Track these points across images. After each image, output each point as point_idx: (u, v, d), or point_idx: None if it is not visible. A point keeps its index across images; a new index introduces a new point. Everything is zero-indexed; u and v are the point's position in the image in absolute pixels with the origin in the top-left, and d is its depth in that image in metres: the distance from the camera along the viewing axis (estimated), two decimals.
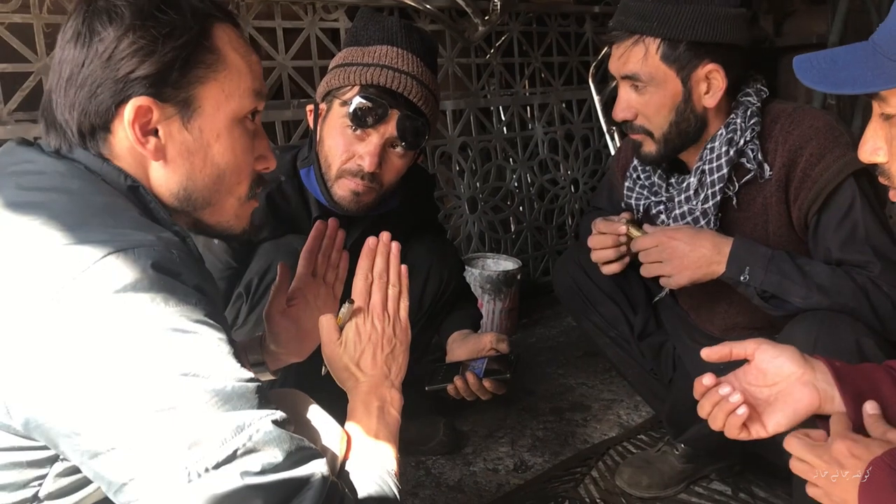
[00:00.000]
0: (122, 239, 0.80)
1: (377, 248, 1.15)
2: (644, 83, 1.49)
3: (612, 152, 3.38)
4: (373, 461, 1.00)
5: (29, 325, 0.76)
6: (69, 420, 0.76)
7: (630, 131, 1.57)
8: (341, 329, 1.12)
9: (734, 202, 1.53)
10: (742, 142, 1.48)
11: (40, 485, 0.85)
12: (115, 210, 0.86)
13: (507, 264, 2.90)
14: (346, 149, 1.51)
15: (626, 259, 1.62)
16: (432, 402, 2.09)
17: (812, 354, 1.27)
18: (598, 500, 1.86)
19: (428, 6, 2.77)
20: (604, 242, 1.61)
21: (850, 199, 1.41)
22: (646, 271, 1.54)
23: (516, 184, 3.23)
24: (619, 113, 1.55)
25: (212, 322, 0.82)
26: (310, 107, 1.61)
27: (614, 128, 3.38)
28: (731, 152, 1.48)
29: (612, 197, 1.87)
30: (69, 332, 0.75)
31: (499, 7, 2.92)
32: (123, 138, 0.91)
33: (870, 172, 1.44)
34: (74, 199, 0.85)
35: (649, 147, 1.55)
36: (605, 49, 3.33)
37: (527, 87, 3.30)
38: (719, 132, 1.51)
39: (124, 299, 0.76)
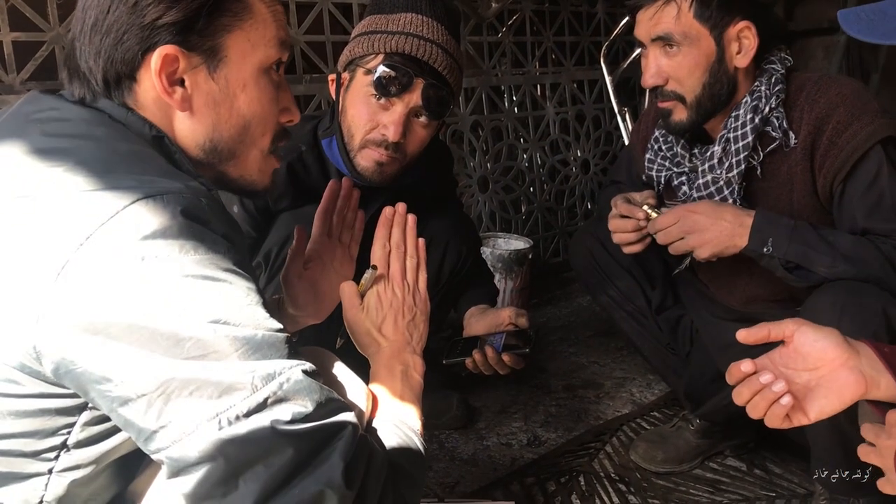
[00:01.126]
0: (150, 186, 0.79)
1: (394, 218, 1.17)
2: (677, 43, 1.47)
3: (623, 134, 3.36)
4: (399, 419, 0.99)
5: (57, 270, 0.75)
6: (99, 366, 0.76)
7: (661, 98, 1.54)
8: (362, 296, 1.14)
9: (758, 171, 1.52)
10: (767, 109, 1.46)
11: (69, 433, 0.84)
12: (141, 158, 0.85)
13: (518, 243, 2.88)
14: (371, 118, 1.49)
15: (648, 240, 1.60)
16: (446, 377, 2.08)
17: (838, 323, 1.26)
18: (612, 475, 1.86)
19: None
20: (624, 227, 1.59)
21: (878, 166, 1.39)
22: (674, 250, 1.51)
23: (527, 164, 3.21)
24: (650, 79, 1.53)
25: (240, 271, 0.82)
26: (332, 76, 1.59)
27: (626, 109, 3.36)
28: (757, 120, 1.47)
29: (630, 170, 1.86)
30: (98, 278, 0.74)
31: None
32: (149, 88, 0.89)
33: None
34: (100, 145, 0.84)
35: (680, 114, 1.53)
36: (618, 28, 3.32)
37: (537, 66, 3.28)
38: (744, 100, 1.50)
39: (153, 245, 0.75)
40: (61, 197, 0.78)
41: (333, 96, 1.58)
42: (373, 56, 1.49)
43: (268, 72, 0.96)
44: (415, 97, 1.47)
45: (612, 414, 2.16)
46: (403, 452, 0.93)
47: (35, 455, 0.83)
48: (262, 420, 0.77)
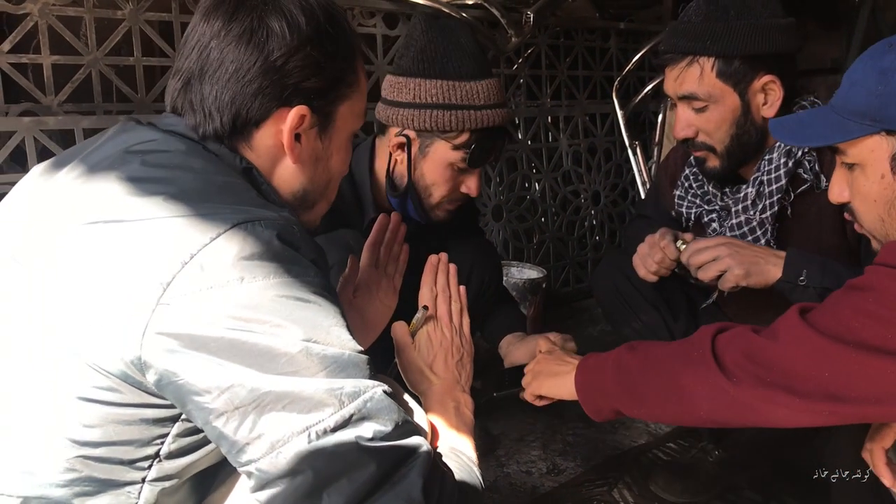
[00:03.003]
0: (246, 212, 0.84)
1: (438, 265, 1.26)
2: (703, 101, 1.54)
3: (634, 167, 3.41)
4: (458, 449, 1.03)
5: (163, 286, 0.79)
6: (200, 379, 0.80)
7: (693, 148, 1.61)
8: (413, 335, 1.20)
9: (788, 212, 1.57)
10: (800, 153, 1.52)
11: (162, 443, 0.88)
12: (236, 189, 0.91)
13: (531, 273, 2.93)
14: (453, 183, 1.60)
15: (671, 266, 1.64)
16: None
17: None
18: None
19: (464, 14, 2.82)
20: (662, 259, 1.62)
21: None
22: (704, 274, 1.54)
23: (539, 194, 3.26)
24: (680, 132, 1.60)
25: (328, 294, 0.87)
26: (401, 138, 1.60)
27: (636, 143, 3.42)
28: (790, 164, 1.52)
29: (658, 205, 1.90)
30: (201, 296, 0.79)
31: (532, 20, 2.97)
32: (268, 136, 0.98)
33: None
34: (198, 176, 0.90)
35: (713, 162, 1.60)
36: (630, 65, 3.40)
37: (549, 100, 3.34)
38: (777, 144, 1.55)
39: (252, 267, 0.81)
40: (164, 220, 0.83)
41: (403, 153, 1.61)
42: (457, 133, 1.55)
43: (351, 136, 1.08)
44: (492, 158, 1.60)
45: (628, 444, 2.19)
46: (468, 483, 0.96)
47: (131, 463, 0.87)
48: (347, 435, 0.81)
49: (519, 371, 1.56)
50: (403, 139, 1.59)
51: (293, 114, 0.96)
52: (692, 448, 2.02)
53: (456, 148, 1.55)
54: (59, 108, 2.07)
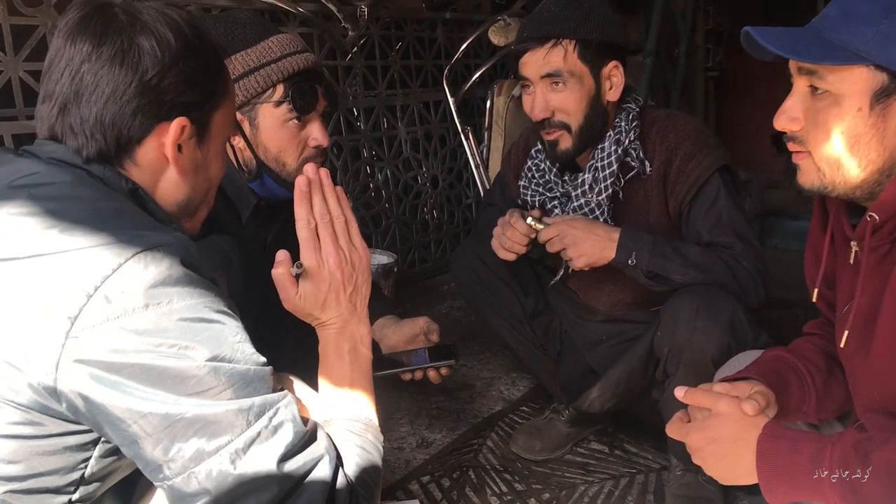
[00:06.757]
0: (143, 239, 0.88)
1: (310, 188, 1.14)
2: (564, 79, 1.72)
3: (467, 151, 3.60)
4: (355, 417, 1.10)
5: (70, 320, 0.82)
6: (113, 406, 0.84)
7: (548, 129, 1.76)
8: (297, 277, 1.12)
9: (620, 196, 1.79)
10: (627, 142, 1.74)
11: (86, 466, 0.92)
12: (127, 214, 0.94)
13: (382, 258, 3.04)
14: (298, 141, 1.56)
15: (522, 250, 1.82)
16: None
17: (694, 321, 1.55)
18: (497, 467, 2.06)
19: (300, 9, 2.86)
20: (518, 238, 1.79)
21: (717, 190, 1.71)
22: (551, 247, 1.73)
23: (383, 181, 3.38)
24: (539, 113, 1.74)
25: (229, 312, 0.93)
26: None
27: (468, 128, 3.61)
28: (619, 151, 1.74)
29: (504, 194, 2.08)
30: (108, 326, 0.83)
31: (366, 13, 3.05)
32: (150, 150, 0.99)
33: (730, 168, 1.75)
34: (88, 205, 0.91)
35: (565, 143, 1.76)
36: (458, 53, 3.57)
37: (385, 89, 3.45)
38: (608, 134, 1.76)
39: (156, 293, 0.84)
40: (63, 254, 0.85)
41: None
42: (271, 89, 1.53)
43: (225, 143, 1.13)
44: (321, 103, 1.58)
45: (487, 411, 2.38)
46: (364, 462, 1.03)
47: (58, 490, 0.91)
48: (255, 454, 0.88)
49: (395, 355, 1.66)
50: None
51: (174, 126, 0.98)
52: (545, 409, 2.23)
53: (278, 104, 1.53)
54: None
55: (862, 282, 1.16)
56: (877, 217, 1.09)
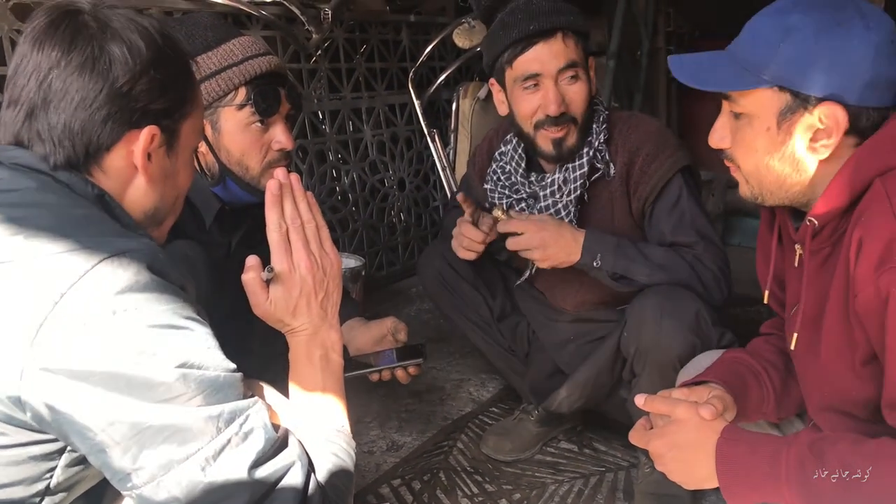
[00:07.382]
0: (110, 245, 0.87)
1: (281, 192, 1.12)
2: (578, 71, 1.72)
3: (433, 153, 3.61)
4: (324, 424, 1.09)
5: (35, 328, 0.81)
6: (80, 414, 0.83)
7: (559, 125, 1.73)
8: (268, 283, 1.10)
9: (585, 197, 1.81)
10: (597, 143, 1.75)
11: (51, 477, 0.91)
12: (93, 220, 0.93)
13: (350, 262, 3.03)
14: (261, 145, 1.54)
15: (482, 248, 1.83)
16: None
17: (660, 321, 1.56)
18: (468, 468, 2.07)
19: (263, 12, 2.84)
20: (475, 235, 1.80)
21: (679, 190, 1.73)
22: (511, 245, 1.73)
23: (349, 184, 3.37)
24: (557, 108, 1.71)
25: (198, 318, 0.92)
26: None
27: (434, 130, 3.62)
28: (591, 153, 1.75)
29: (470, 195, 2.08)
30: (74, 333, 0.82)
31: (330, 16, 3.04)
32: (119, 157, 0.98)
33: (692, 168, 1.78)
34: (54, 211, 0.90)
35: (572, 139, 1.75)
36: (423, 56, 3.58)
37: (350, 92, 3.44)
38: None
39: (123, 299, 0.83)
40: (29, 261, 0.84)
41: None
42: (233, 92, 1.51)
43: (194, 152, 1.13)
44: (284, 106, 1.57)
45: (456, 413, 2.39)
46: (334, 467, 1.03)
47: (23, 501, 0.89)
48: (224, 462, 0.88)
49: (363, 357, 1.66)
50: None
51: (144, 134, 0.98)
52: (515, 410, 2.25)
53: (240, 107, 1.52)
54: None
55: (806, 284, 1.19)
56: (815, 222, 1.12)
